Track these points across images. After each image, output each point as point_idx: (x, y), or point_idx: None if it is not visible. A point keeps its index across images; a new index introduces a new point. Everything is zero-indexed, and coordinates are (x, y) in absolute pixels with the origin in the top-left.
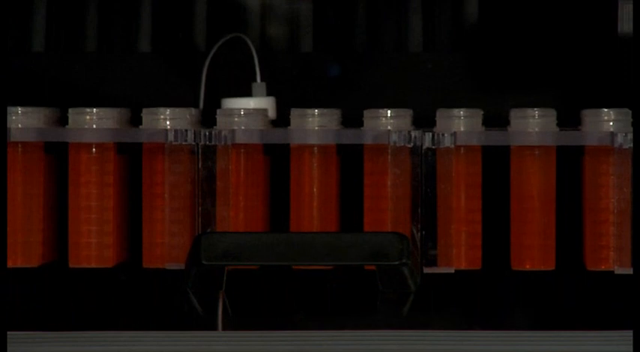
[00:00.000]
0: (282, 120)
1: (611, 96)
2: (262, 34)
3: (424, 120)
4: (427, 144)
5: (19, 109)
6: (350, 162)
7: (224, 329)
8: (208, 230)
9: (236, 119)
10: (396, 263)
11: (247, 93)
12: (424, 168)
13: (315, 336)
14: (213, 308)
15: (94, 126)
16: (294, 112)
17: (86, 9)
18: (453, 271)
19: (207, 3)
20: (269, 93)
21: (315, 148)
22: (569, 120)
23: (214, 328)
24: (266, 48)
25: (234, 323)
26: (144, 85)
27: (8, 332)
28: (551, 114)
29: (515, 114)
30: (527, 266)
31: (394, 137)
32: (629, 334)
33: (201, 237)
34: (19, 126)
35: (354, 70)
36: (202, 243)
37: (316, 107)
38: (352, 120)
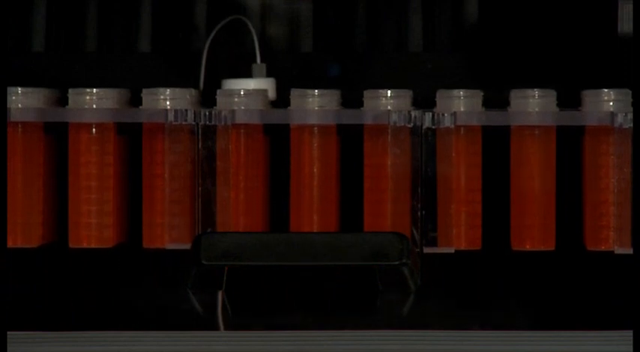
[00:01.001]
0: (282, 102)
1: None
2: (262, 34)
3: (424, 103)
4: (427, 124)
5: (19, 89)
6: (350, 143)
7: (224, 329)
8: (209, 230)
9: (236, 99)
10: (396, 263)
11: (248, 76)
12: (424, 148)
13: (315, 336)
14: (213, 308)
15: (94, 106)
16: (294, 93)
17: (86, 9)
18: (453, 251)
19: (207, 3)
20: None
21: (315, 128)
22: (569, 102)
23: (214, 328)
24: (266, 48)
25: (234, 323)
26: (144, 85)
27: (8, 332)
28: (551, 95)
29: (515, 95)
30: (528, 247)
31: (394, 117)
32: (629, 334)
33: (201, 237)
34: (19, 106)
35: (354, 70)
36: (202, 243)
37: None
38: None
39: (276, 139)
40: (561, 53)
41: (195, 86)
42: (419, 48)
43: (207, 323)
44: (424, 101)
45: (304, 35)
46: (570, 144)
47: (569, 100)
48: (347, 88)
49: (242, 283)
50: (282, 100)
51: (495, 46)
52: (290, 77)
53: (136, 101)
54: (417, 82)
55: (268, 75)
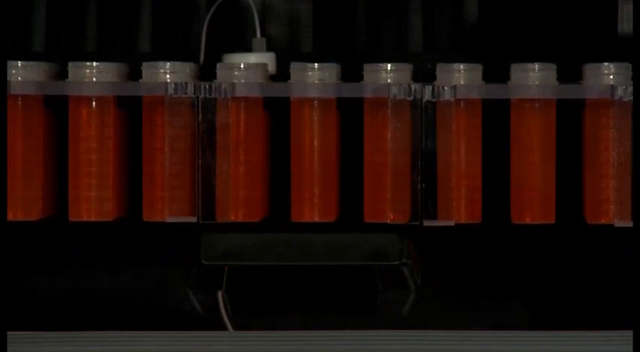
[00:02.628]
0: (282, 77)
1: None
2: (262, 34)
3: (424, 77)
4: (427, 97)
5: (19, 63)
6: (350, 116)
7: (224, 329)
8: (209, 232)
9: (236, 73)
10: (396, 263)
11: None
12: (424, 122)
13: (315, 336)
14: (213, 308)
15: (94, 79)
16: (294, 66)
17: (86, 9)
18: (453, 224)
19: (207, 3)
20: None
21: (315, 102)
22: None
23: (215, 328)
24: (266, 48)
25: (234, 323)
26: None
27: (8, 332)
28: (551, 68)
29: (515, 68)
30: (528, 220)
31: (394, 90)
32: (629, 334)
33: (201, 237)
34: (19, 79)
35: (354, 70)
36: (202, 243)
37: None
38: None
39: (277, 113)
40: (561, 53)
41: (196, 61)
42: (419, 48)
43: (207, 323)
44: (424, 76)
45: (304, 35)
46: (570, 118)
47: (569, 75)
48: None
49: (242, 283)
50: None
51: (495, 46)
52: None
53: (136, 76)
54: (417, 82)
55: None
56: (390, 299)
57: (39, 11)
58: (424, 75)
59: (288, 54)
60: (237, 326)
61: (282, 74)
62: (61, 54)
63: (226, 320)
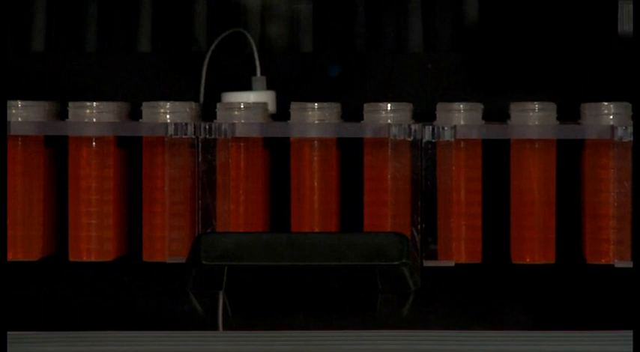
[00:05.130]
0: (282, 115)
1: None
2: (262, 34)
3: (424, 115)
4: (427, 137)
5: (19, 103)
6: (350, 156)
7: (224, 329)
8: (209, 230)
9: (236, 112)
10: (396, 263)
11: (247, 88)
12: (424, 162)
13: (315, 336)
14: (213, 308)
15: (94, 119)
16: (294, 106)
17: (86, 9)
18: (453, 264)
19: (207, 3)
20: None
21: (315, 142)
22: (568, 113)
23: (214, 328)
24: (266, 48)
25: (234, 323)
26: (144, 84)
27: (8, 332)
28: (551, 108)
29: (515, 108)
30: (528, 260)
31: (394, 130)
32: (629, 334)
33: (201, 237)
34: (19, 119)
35: (354, 70)
36: (202, 243)
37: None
38: (352, 115)
39: (277, 152)
40: (561, 53)
41: (196, 98)
42: (419, 48)
43: (207, 323)
44: (424, 114)
45: (304, 35)
46: (570, 157)
47: (568, 108)
48: (347, 88)
49: (242, 283)
50: (283, 101)
51: (495, 46)
52: (290, 77)
53: (135, 113)
54: (417, 82)
55: (269, 75)
56: (391, 300)
57: (39, 11)
58: (424, 75)
59: (288, 54)
60: (237, 326)
61: (282, 113)
62: (61, 54)
63: (219, 320)
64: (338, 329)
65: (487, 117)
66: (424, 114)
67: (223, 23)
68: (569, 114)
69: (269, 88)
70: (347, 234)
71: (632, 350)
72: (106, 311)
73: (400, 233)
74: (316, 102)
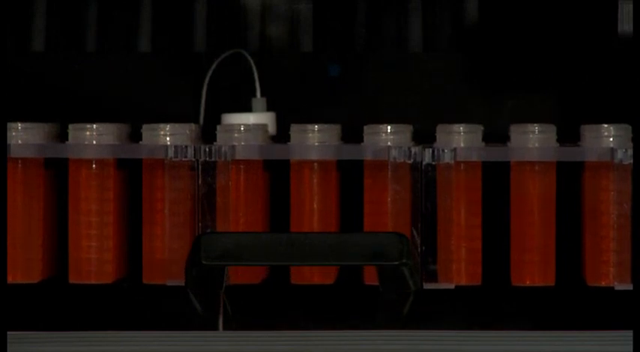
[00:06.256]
0: (282, 113)
1: (611, 111)
2: (262, 34)
3: (424, 135)
4: (427, 159)
5: (19, 125)
6: (350, 178)
7: (224, 329)
8: (208, 230)
9: (236, 135)
10: (396, 263)
11: (247, 107)
12: (424, 184)
13: (315, 336)
14: (213, 308)
15: (94, 142)
16: (294, 128)
17: (86, 9)
18: (453, 287)
19: (207, 3)
20: (271, 98)
21: (315, 164)
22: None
23: (214, 328)
24: (266, 48)
25: (234, 323)
26: (144, 84)
27: (8, 332)
28: (551, 130)
29: (515, 130)
30: (528, 282)
31: (394, 153)
32: (629, 334)
33: (201, 237)
34: (19, 142)
35: (354, 70)
36: (202, 243)
37: (316, 106)
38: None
39: (277, 174)
40: (561, 53)
41: (195, 109)
42: (419, 48)
43: (207, 323)
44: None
45: (304, 35)
46: (570, 179)
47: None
48: (347, 88)
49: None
50: (283, 101)
51: (495, 46)
52: (290, 77)
53: (135, 134)
54: (417, 82)
55: (269, 75)
56: (390, 300)
57: (39, 11)
58: (422, 73)
59: (288, 54)
60: (237, 327)
61: (282, 126)
62: (61, 54)
63: (219, 320)
64: (338, 329)
65: (487, 116)
66: (424, 135)
67: (223, 23)
68: (569, 114)
69: (270, 92)
70: (347, 234)
71: (632, 350)
72: (105, 312)
73: (400, 233)
74: (316, 103)
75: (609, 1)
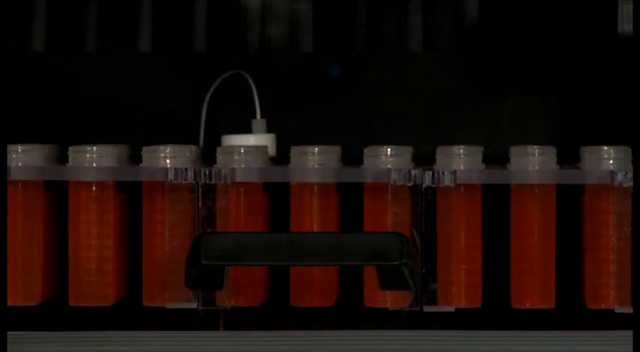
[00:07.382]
0: (281, 111)
1: (611, 111)
2: (262, 33)
3: (424, 156)
4: (427, 182)
5: (19, 147)
6: (350, 200)
7: (224, 329)
8: (208, 233)
9: (236, 157)
10: (396, 263)
11: (247, 126)
12: (424, 207)
13: (315, 336)
14: (213, 308)
15: (94, 164)
16: (294, 150)
17: (86, 9)
18: (453, 310)
19: (207, 3)
20: (271, 99)
21: (315, 186)
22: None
23: (214, 328)
24: (266, 48)
25: (234, 323)
26: (144, 85)
27: (8, 332)
28: (551, 152)
29: (515, 152)
30: (527, 305)
31: (394, 175)
32: (629, 334)
33: (201, 237)
34: (19, 164)
35: (354, 70)
36: (202, 242)
37: (316, 106)
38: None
39: (277, 196)
40: (561, 53)
41: (195, 114)
42: (419, 48)
43: (207, 323)
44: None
45: (304, 35)
46: (570, 202)
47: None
48: (347, 89)
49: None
50: (283, 101)
51: (495, 46)
52: (290, 77)
53: (135, 155)
54: (417, 82)
55: (269, 75)
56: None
57: (39, 11)
58: (422, 73)
59: (288, 54)
60: (237, 326)
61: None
62: (61, 54)
63: (219, 321)
64: (338, 329)
65: (487, 116)
66: (424, 156)
67: (223, 23)
68: (568, 115)
69: (269, 95)
70: (347, 234)
71: (632, 350)
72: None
73: (400, 233)
74: (316, 103)
75: (609, 1)
